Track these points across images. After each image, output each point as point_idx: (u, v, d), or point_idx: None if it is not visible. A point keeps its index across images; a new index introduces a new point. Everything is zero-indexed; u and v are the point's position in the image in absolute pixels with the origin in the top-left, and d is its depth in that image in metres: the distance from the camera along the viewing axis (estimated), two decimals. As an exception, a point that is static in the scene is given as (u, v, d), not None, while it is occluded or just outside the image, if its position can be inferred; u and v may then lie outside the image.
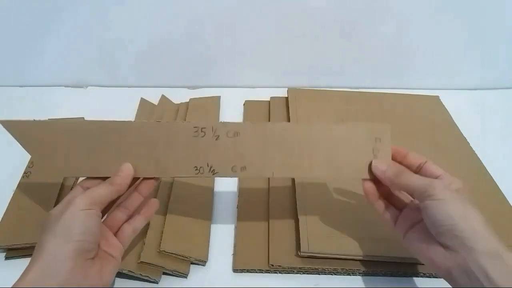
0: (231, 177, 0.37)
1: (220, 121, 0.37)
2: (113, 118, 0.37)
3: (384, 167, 0.37)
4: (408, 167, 0.37)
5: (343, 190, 0.47)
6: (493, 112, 0.66)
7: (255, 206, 0.47)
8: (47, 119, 0.37)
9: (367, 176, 0.38)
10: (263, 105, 0.63)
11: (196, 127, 0.37)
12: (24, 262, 0.41)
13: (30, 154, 0.37)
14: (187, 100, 0.63)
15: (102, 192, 0.34)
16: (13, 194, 0.46)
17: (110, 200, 0.35)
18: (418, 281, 0.41)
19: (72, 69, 0.68)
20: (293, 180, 0.48)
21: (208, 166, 0.37)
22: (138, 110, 0.61)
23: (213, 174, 0.37)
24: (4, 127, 0.36)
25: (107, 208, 0.37)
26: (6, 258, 0.42)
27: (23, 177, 0.48)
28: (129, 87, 0.69)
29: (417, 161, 0.37)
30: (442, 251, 0.31)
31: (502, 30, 0.64)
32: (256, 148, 0.38)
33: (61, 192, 0.47)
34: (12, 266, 0.41)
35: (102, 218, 0.35)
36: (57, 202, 0.46)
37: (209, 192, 0.49)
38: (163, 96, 0.64)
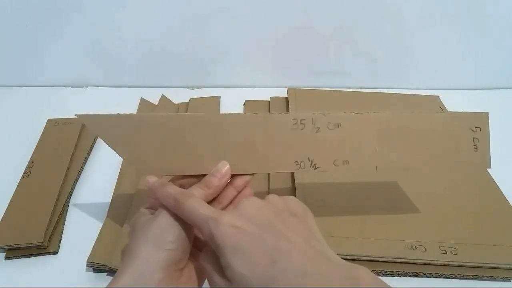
0: (333, 171, 0.36)
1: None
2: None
3: (152, 179, 0.33)
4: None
5: (343, 190, 0.47)
6: (493, 112, 0.66)
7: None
8: (129, 113, 0.35)
9: (466, 169, 0.37)
10: (263, 105, 0.63)
11: (295, 118, 0.35)
12: (24, 262, 0.42)
13: (117, 152, 0.35)
14: (187, 100, 0.63)
15: (198, 196, 0.32)
16: (13, 194, 0.46)
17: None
18: (418, 281, 0.41)
19: (72, 69, 0.68)
20: (293, 180, 0.48)
21: (309, 160, 0.35)
22: (138, 110, 0.61)
23: (315, 168, 0.35)
24: (83, 121, 0.34)
25: None
26: (6, 258, 0.42)
27: (23, 177, 0.48)
28: (129, 87, 0.69)
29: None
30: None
31: (502, 30, 0.64)
32: (359, 140, 0.36)
33: (60, 192, 0.47)
34: (12, 266, 0.42)
35: None
36: (56, 203, 0.46)
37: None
38: (163, 96, 0.64)
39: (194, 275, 0.31)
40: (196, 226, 0.28)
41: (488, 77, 0.70)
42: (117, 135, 0.34)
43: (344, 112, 0.36)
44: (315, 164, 0.35)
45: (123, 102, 0.62)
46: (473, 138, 0.37)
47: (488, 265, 0.40)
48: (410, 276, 0.41)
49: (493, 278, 0.40)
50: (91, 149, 0.55)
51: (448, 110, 0.62)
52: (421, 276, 0.41)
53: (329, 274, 0.23)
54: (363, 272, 0.23)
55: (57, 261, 0.42)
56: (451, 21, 0.63)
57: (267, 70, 0.69)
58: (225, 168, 0.34)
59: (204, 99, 0.64)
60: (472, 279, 0.40)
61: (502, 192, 0.48)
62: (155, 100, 0.63)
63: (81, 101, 0.66)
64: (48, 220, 0.43)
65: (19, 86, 0.68)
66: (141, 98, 0.63)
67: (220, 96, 0.65)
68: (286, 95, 0.64)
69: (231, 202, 0.35)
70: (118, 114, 0.34)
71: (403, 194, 0.47)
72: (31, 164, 0.50)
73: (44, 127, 0.56)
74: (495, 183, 0.49)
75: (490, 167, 0.39)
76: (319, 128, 0.35)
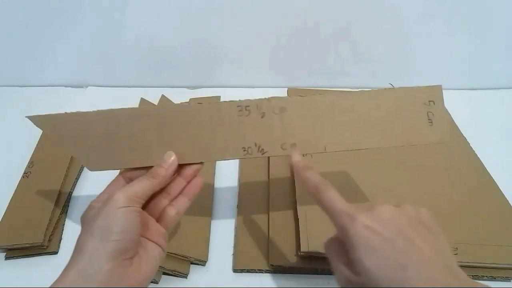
0: (281, 155, 0.36)
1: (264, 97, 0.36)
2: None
3: (297, 157, 0.34)
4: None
5: (343, 190, 0.47)
6: (493, 112, 0.66)
7: (255, 206, 0.47)
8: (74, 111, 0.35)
9: (423, 142, 0.36)
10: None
11: (239, 105, 0.36)
12: (24, 262, 0.42)
13: (66, 150, 0.36)
14: (187, 100, 0.63)
15: (143, 186, 0.33)
16: (13, 194, 0.46)
17: (152, 194, 0.34)
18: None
19: (72, 69, 0.68)
20: (293, 179, 0.48)
21: (256, 146, 0.36)
22: (138, 110, 0.61)
23: (262, 153, 0.36)
24: (34, 123, 0.35)
25: (149, 199, 0.35)
26: (6, 258, 0.42)
27: (23, 177, 0.48)
28: (129, 87, 0.69)
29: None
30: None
31: (502, 30, 0.64)
32: (305, 123, 0.36)
33: (60, 192, 0.47)
34: (12, 266, 0.42)
35: (143, 207, 0.33)
36: (56, 203, 0.46)
37: (209, 191, 0.49)
38: (163, 96, 0.64)
39: (144, 263, 0.32)
40: (330, 216, 0.30)
41: (488, 77, 0.70)
42: (66, 134, 0.35)
43: (289, 96, 0.35)
44: (263, 149, 0.36)
45: (123, 102, 0.61)
46: (427, 112, 0.36)
47: (488, 265, 0.40)
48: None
49: (493, 278, 0.40)
50: (91, 149, 0.55)
51: (448, 110, 0.62)
52: (421, 276, 0.41)
53: None
54: None
55: (57, 261, 0.42)
56: (451, 21, 0.63)
57: (267, 70, 0.69)
58: (171, 158, 0.35)
59: (204, 99, 0.64)
60: (472, 279, 0.40)
61: (502, 192, 0.48)
62: (155, 100, 0.63)
63: (81, 101, 0.66)
64: (48, 220, 0.43)
65: (19, 86, 0.68)
66: (141, 98, 0.63)
67: (220, 96, 0.65)
68: (286, 95, 0.64)
69: (180, 192, 0.36)
70: (65, 112, 0.35)
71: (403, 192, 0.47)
72: (31, 164, 0.50)
73: (44, 127, 0.56)
74: (495, 183, 0.49)
75: (448, 139, 0.37)
76: (264, 113, 0.35)
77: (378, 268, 0.26)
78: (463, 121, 0.60)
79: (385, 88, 0.37)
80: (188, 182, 0.37)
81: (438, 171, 0.50)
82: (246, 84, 0.70)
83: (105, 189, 0.35)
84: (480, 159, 0.53)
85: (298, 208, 0.44)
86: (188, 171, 0.36)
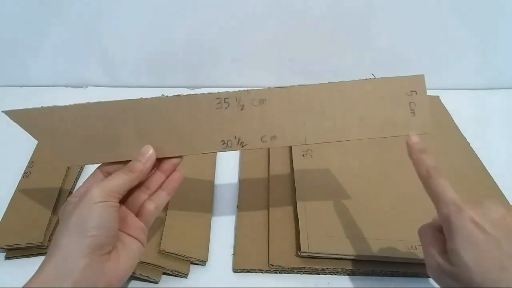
0: (261, 147, 0.35)
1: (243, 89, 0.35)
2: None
3: (415, 139, 0.34)
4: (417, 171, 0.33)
5: (343, 190, 0.47)
6: (493, 112, 0.66)
7: (255, 206, 0.47)
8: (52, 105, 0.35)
9: (404, 133, 0.35)
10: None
11: (218, 98, 0.35)
12: (24, 262, 0.42)
13: (41, 144, 0.35)
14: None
15: (121, 181, 0.32)
16: (13, 194, 0.46)
17: (129, 188, 0.33)
18: (418, 281, 0.41)
19: (72, 69, 0.68)
20: (292, 179, 0.48)
21: (236, 138, 0.35)
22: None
23: (242, 146, 0.35)
24: (10, 117, 0.35)
25: (127, 194, 0.34)
26: (6, 258, 0.42)
27: (23, 177, 0.48)
28: (129, 87, 0.69)
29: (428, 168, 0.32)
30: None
31: (502, 30, 0.64)
32: (285, 114, 0.35)
33: (60, 192, 0.47)
34: (12, 266, 0.42)
35: (122, 202, 0.33)
36: (56, 203, 0.46)
37: (209, 191, 0.49)
38: (162, 96, 0.64)
39: (123, 258, 0.31)
40: (436, 202, 0.30)
41: (488, 77, 0.70)
42: (42, 128, 0.35)
43: (269, 88, 0.35)
44: (242, 142, 0.35)
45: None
46: (410, 103, 0.35)
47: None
48: (410, 276, 0.41)
49: (493, 278, 0.40)
50: (91, 149, 0.55)
51: (448, 110, 0.62)
52: (421, 276, 0.41)
53: None
54: None
55: (57, 261, 0.42)
56: (451, 21, 0.63)
57: (267, 70, 0.69)
58: (149, 152, 0.34)
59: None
60: None
61: (502, 192, 0.48)
62: (155, 100, 0.63)
63: (81, 101, 0.65)
64: (48, 220, 0.43)
65: (19, 86, 0.69)
66: (141, 98, 0.63)
67: (220, 96, 0.65)
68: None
69: (159, 187, 0.36)
70: (41, 106, 0.34)
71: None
72: (31, 164, 0.50)
73: (44, 127, 0.56)
74: (496, 183, 0.49)
75: (430, 131, 0.36)
76: (243, 105, 0.35)
77: (476, 264, 0.26)
78: (463, 121, 0.60)
79: (366, 78, 0.36)
80: (167, 177, 0.36)
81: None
82: (246, 84, 0.69)
83: (83, 183, 0.35)
84: (480, 159, 0.53)
85: (298, 208, 0.45)
86: (167, 165, 0.36)
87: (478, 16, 0.62)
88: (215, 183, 0.51)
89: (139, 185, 0.35)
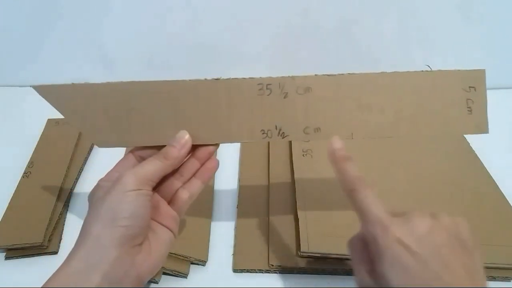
0: (303, 140, 0.34)
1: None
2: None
3: (338, 144, 0.30)
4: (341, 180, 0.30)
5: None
6: (493, 112, 0.66)
7: (255, 206, 0.47)
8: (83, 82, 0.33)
9: (459, 132, 0.33)
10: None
11: (260, 83, 0.33)
12: (24, 262, 0.42)
13: (73, 124, 0.33)
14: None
15: (155, 168, 0.30)
16: (13, 194, 0.46)
17: (163, 175, 0.31)
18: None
19: (72, 69, 0.68)
20: (293, 179, 0.48)
21: (276, 128, 0.33)
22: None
23: (283, 137, 0.33)
24: (39, 93, 0.33)
25: (160, 181, 0.33)
26: (6, 258, 0.42)
27: (23, 177, 0.48)
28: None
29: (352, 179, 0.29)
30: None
31: (502, 30, 0.64)
32: (331, 105, 0.33)
33: (60, 192, 0.47)
34: (12, 266, 0.42)
35: (154, 189, 0.31)
36: (56, 203, 0.46)
37: (209, 190, 0.49)
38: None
39: (154, 249, 0.30)
40: (361, 219, 0.28)
41: (488, 77, 0.70)
42: (73, 106, 0.33)
43: (315, 75, 0.33)
44: (283, 132, 0.33)
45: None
46: (467, 100, 0.33)
47: (488, 265, 0.40)
48: (410, 276, 0.41)
49: (493, 278, 0.40)
50: (91, 149, 0.55)
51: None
52: (421, 276, 0.41)
53: None
54: None
55: (57, 261, 0.41)
56: (452, 21, 0.63)
57: (267, 70, 0.69)
58: (184, 138, 0.32)
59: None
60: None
61: (502, 192, 0.48)
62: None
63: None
64: (48, 220, 0.43)
65: (19, 86, 0.68)
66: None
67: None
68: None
69: (194, 174, 0.34)
70: (73, 83, 0.32)
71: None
72: (31, 164, 0.50)
73: (44, 127, 0.56)
74: (495, 183, 0.49)
75: (487, 131, 0.34)
76: (287, 93, 0.33)
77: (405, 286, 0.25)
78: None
79: (421, 70, 0.33)
80: (202, 164, 0.35)
81: (438, 171, 0.50)
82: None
83: (114, 167, 0.33)
84: (481, 159, 0.53)
85: (298, 208, 0.44)
86: (203, 152, 0.34)
87: (478, 16, 0.62)
88: (215, 182, 0.51)
89: (172, 172, 0.33)
